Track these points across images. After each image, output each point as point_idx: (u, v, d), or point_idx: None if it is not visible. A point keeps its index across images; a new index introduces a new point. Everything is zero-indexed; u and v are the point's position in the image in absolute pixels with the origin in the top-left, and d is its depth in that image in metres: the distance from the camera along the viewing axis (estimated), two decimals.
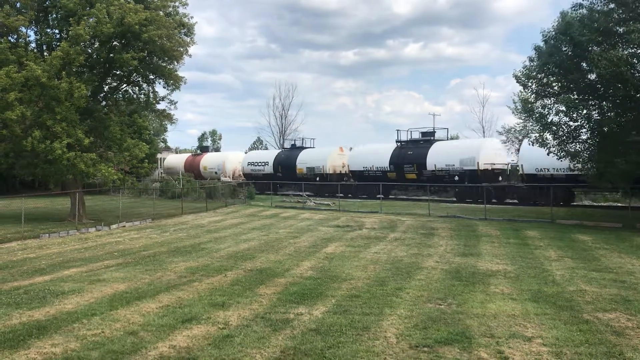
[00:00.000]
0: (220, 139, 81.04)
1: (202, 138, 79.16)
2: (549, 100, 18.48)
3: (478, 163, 28.14)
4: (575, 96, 17.53)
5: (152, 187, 37.07)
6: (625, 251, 12.50)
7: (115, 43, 19.96)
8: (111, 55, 19.75)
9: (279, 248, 13.32)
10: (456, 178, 28.98)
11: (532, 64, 18.39)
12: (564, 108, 17.25)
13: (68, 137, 18.19)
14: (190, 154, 51.93)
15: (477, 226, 18.02)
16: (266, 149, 63.40)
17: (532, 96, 18.72)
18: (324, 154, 37.83)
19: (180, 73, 21.71)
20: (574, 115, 17.36)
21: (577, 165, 19.24)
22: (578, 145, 18.55)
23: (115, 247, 13.95)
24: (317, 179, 36.09)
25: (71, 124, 18.43)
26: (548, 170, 25.69)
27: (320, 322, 6.73)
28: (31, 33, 21.76)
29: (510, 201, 27.41)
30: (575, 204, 26.34)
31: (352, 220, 20.62)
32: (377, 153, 33.99)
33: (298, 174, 37.99)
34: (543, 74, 18.17)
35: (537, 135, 19.97)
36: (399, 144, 33.64)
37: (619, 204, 25.73)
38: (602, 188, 23.56)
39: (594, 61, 15.62)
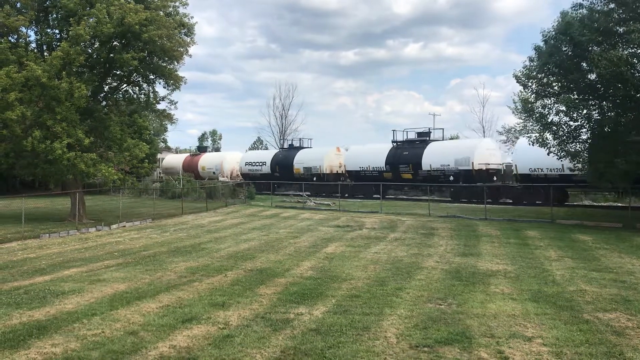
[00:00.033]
0: (220, 139, 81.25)
1: (202, 138, 79.28)
2: (549, 100, 18.50)
3: (473, 163, 28.19)
4: (576, 96, 17.53)
5: (152, 187, 37.07)
6: (625, 251, 12.51)
7: (115, 43, 19.98)
8: (111, 55, 19.77)
9: (279, 248, 13.32)
10: (451, 178, 29.01)
11: (532, 64, 18.39)
12: (564, 108, 17.26)
13: (68, 137, 18.20)
14: (189, 154, 51.88)
15: (477, 226, 18.02)
16: (266, 149, 63.36)
17: (532, 96, 18.73)
18: (321, 154, 37.83)
19: (180, 73, 21.79)
20: (574, 115, 17.38)
21: (577, 165, 19.26)
22: (578, 145, 18.57)
23: (115, 247, 13.95)
24: (314, 179, 36.07)
25: (71, 124, 18.44)
26: (542, 170, 25.74)
27: (320, 322, 6.73)
28: (31, 33, 21.81)
29: (504, 201, 27.39)
30: (569, 203, 26.34)
31: (352, 220, 20.63)
32: (373, 153, 34.01)
33: (295, 174, 38.00)
34: (543, 74, 18.17)
35: (538, 135, 19.99)
36: (395, 144, 33.67)
37: (619, 204, 25.73)
38: (602, 188, 23.58)
39: (594, 61, 15.62)
